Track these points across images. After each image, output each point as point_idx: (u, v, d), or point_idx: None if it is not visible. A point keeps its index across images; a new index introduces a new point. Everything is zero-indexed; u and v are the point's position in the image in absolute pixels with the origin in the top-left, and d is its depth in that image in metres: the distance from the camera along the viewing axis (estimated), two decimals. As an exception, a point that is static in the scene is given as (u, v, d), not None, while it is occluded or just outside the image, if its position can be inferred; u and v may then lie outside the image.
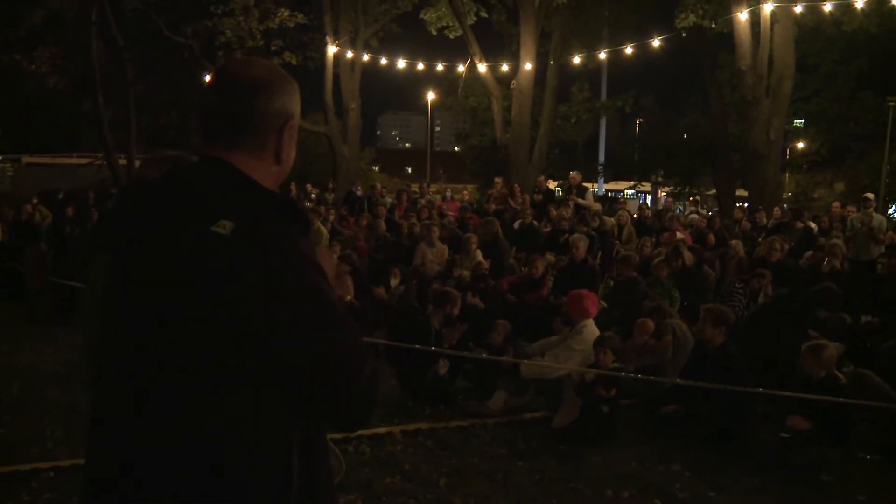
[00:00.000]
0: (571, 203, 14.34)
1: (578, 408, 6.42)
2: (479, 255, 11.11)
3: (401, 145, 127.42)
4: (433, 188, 22.20)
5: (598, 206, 14.75)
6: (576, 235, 10.22)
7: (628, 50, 18.42)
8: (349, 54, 20.53)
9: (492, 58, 20.27)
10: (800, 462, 5.62)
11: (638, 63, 19.55)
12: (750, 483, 5.46)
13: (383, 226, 13.15)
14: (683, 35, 18.06)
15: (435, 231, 11.82)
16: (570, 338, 6.98)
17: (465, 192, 19.85)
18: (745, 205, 17.72)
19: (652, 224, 13.74)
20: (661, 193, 27.92)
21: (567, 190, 15.77)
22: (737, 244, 10.81)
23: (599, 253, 11.66)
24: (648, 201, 29.76)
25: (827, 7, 16.35)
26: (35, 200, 14.39)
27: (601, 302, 9.56)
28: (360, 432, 6.17)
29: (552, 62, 19.87)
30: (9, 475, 5.20)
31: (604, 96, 28.06)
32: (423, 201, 15.74)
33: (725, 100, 21.50)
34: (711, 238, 11.77)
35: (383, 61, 21.20)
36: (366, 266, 11.64)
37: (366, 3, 21.06)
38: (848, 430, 5.82)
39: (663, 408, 6.51)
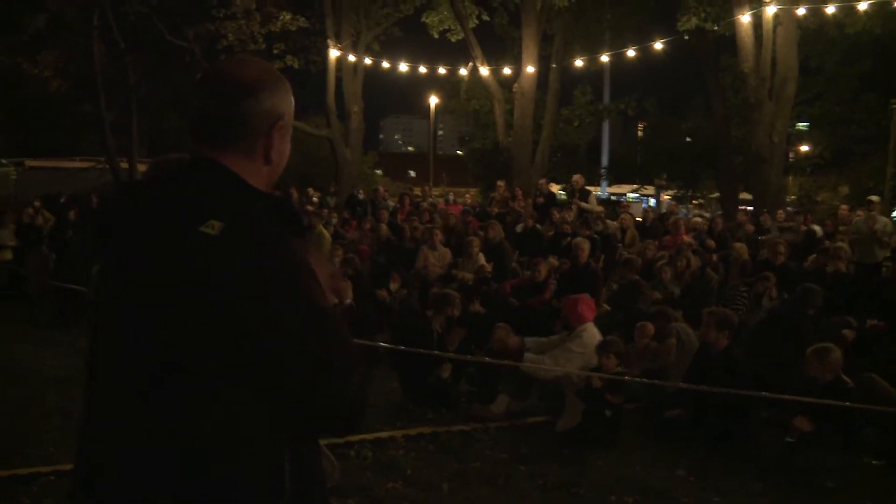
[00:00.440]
0: (574, 206, 14.34)
1: (581, 412, 6.39)
2: (482, 259, 11.10)
3: (403, 149, 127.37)
4: (436, 191, 22.21)
5: (601, 210, 14.70)
6: (578, 239, 10.20)
7: (630, 53, 18.40)
8: (351, 58, 20.51)
9: (494, 61, 20.26)
10: (804, 467, 5.58)
11: (640, 66, 19.54)
12: (754, 488, 5.42)
13: (386, 229, 13.13)
14: (686, 38, 18.03)
15: (437, 234, 11.81)
16: (570, 340, 6.94)
17: (467, 195, 19.81)
18: (749, 208, 17.67)
19: (655, 227, 13.70)
20: (665, 197, 27.88)
21: (570, 193, 15.75)
22: (741, 247, 10.77)
23: (602, 256, 11.61)
24: (652, 204, 29.75)
25: (830, 9, 16.30)
26: (37, 204, 14.39)
27: (604, 305, 9.56)
28: (361, 436, 6.16)
29: (554, 65, 19.86)
30: (9, 479, 5.18)
31: (606, 99, 28.03)
32: (425, 204, 15.72)
33: (728, 103, 21.45)
34: (711, 242, 11.72)
35: (385, 65, 21.20)
36: (368, 270, 11.63)
37: (368, 7, 21.03)
38: (854, 435, 5.78)
39: (667, 412, 6.47)
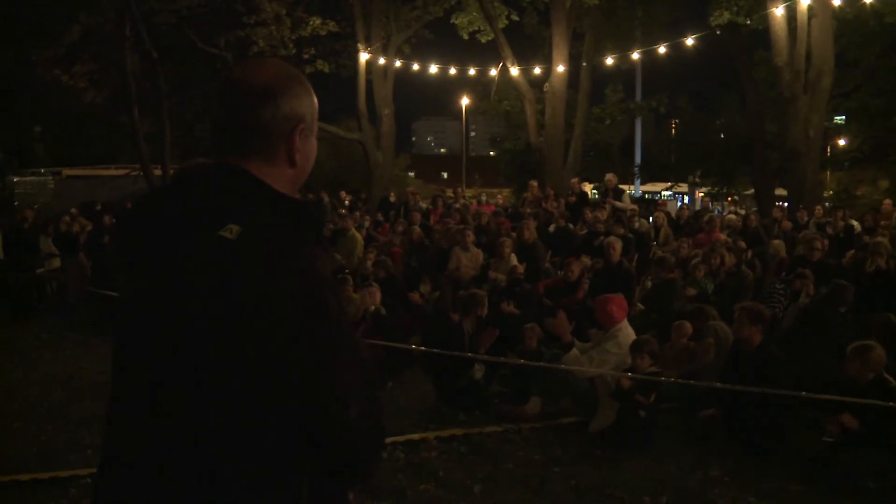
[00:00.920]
0: (608, 205, 14.24)
1: (615, 412, 6.33)
2: (514, 260, 11.05)
3: (436, 151, 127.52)
4: (469, 193, 22.20)
5: (634, 208, 14.57)
6: (611, 238, 10.11)
7: (662, 50, 18.21)
8: (381, 61, 20.58)
9: (524, 61, 20.18)
10: (845, 468, 5.45)
11: (672, 63, 19.37)
12: (792, 489, 5.32)
13: (418, 231, 13.12)
14: (718, 33, 17.81)
15: (469, 236, 11.78)
16: (605, 341, 6.89)
17: (499, 196, 19.76)
18: (785, 204, 17.40)
19: (689, 225, 13.54)
20: (699, 194, 27.59)
21: (603, 192, 15.64)
22: (779, 244, 10.57)
23: (636, 255, 11.50)
24: (686, 202, 29.43)
25: (867, -1, 16.00)
26: (74, 212, 14.63)
27: (638, 304, 9.47)
28: (393, 438, 6.16)
29: (585, 64, 19.74)
30: (49, 481, 5.28)
31: (639, 97, 27.77)
32: (457, 206, 15.71)
33: (762, 97, 21.15)
34: (742, 243, 11.53)
35: (416, 67, 21.23)
36: (401, 272, 11.65)
37: (397, 10, 21.10)
38: (896, 435, 5.64)
39: (701, 413, 6.38)
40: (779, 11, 15.81)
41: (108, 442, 1.64)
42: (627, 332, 6.89)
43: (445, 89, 34.62)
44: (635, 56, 19.48)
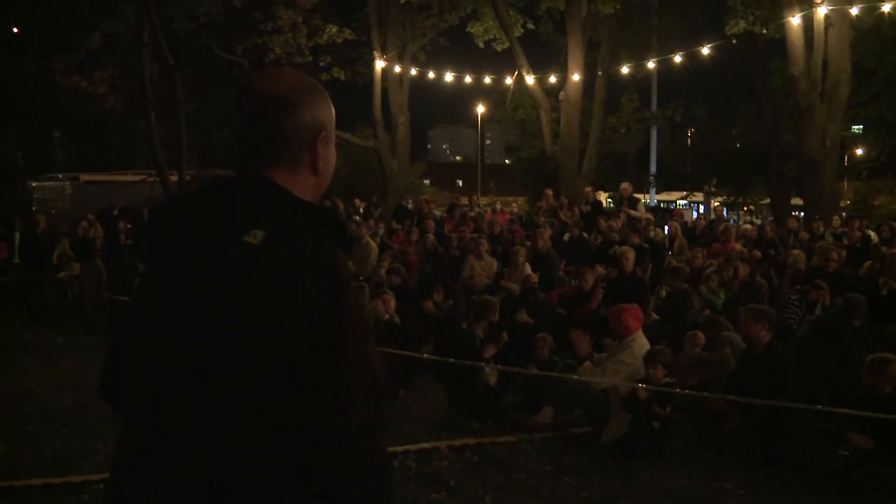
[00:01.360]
0: (623, 214, 14.21)
1: (627, 423, 6.30)
2: (528, 269, 11.03)
3: (451, 158, 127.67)
4: (483, 201, 22.19)
5: (649, 217, 14.52)
6: (624, 247, 10.08)
7: (677, 59, 18.16)
8: (397, 69, 20.63)
9: (540, 69, 20.19)
10: (862, 481, 5.39)
11: (688, 72, 19.31)
12: (808, 502, 5.27)
13: (432, 239, 13.13)
14: (734, 42, 17.74)
15: (483, 244, 11.78)
16: (620, 351, 6.86)
17: (514, 204, 19.74)
18: (801, 214, 17.28)
19: (704, 235, 13.48)
20: (714, 204, 27.45)
21: (618, 201, 15.60)
22: (798, 254, 10.46)
23: (650, 265, 11.46)
24: (701, 211, 29.30)
25: (886, 7, 15.87)
26: (91, 217, 14.73)
27: (652, 314, 9.43)
28: (405, 447, 6.16)
29: (600, 73, 19.71)
30: (62, 486, 5.30)
31: (654, 106, 27.72)
32: (472, 214, 15.70)
33: (779, 107, 21.04)
34: (757, 252, 11.45)
35: (431, 75, 21.26)
36: (415, 280, 11.66)
37: (413, 18, 21.15)
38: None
39: (726, 424, 6.33)
40: (795, 21, 15.74)
41: (120, 447, 1.64)
42: (642, 343, 6.85)
43: (461, 97, 34.72)
44: (650, 65, 19.44)
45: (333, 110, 1.76)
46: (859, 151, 27.95)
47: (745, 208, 27.04)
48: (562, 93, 19.01)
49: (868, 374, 5.72)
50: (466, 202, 17.65)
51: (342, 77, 20.84)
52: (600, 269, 10.60)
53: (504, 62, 21.20)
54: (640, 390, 6.18)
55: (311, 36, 19.14)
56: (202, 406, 1.49)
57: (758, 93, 21.14)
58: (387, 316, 9.05)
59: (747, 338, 6.56)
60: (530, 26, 20.83)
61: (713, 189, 27.49)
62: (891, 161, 25.54)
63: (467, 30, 20.99)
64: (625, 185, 15.34)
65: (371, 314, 8.97)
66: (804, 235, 13.04)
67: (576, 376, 6.94)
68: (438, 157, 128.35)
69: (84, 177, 23.48)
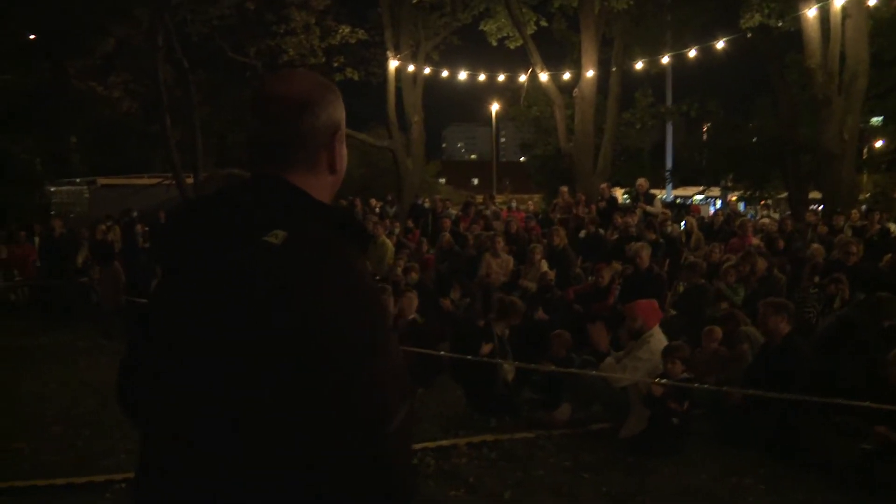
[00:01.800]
0: (639, 210, 14.16)
1: (646, 419, 6.28)
2: (545, 266, 11.03)
3: (466, 157, 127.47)
4: (499, 199, 22.16)
5: (665, 213, 14.45)
6: (638, 244, 10.04)
7: (691, 54, 18.05)
8: (410, 68, 20.63)
9: (553, 66, 20.13)
10: (884, 477, 5.33)
11: (703, 67, 19.17)
12: (828, 498, 5.23)
13: (448, 238, 13.13)
14: (748, 36, 17.60)
15: (499, 242, 11.79)
16: (638, 347, 6.84)
17: (529, 202, 19.71)
18: (820, 207, 17.14)
19: (721, 230, 13.41)
20: (731, 198, 27.25)
21: (634, 197, 15.54)
22: (818, 248, 10.36)
23: (667, 260, 11.41)
24: (720, 206, 29.07)
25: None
26: (109, 221, 14.85)
27: (670, 310, 9.39)
28: (423, 444, 6.17)
29: (614, 69, 19.60)
30: (85, 486, 5.36)
31: (669, 101, 27.53)
32: (487, 212, 15.71)
33: (795, 100, 20.87)
34: (781, 243, 11.39)
35: (444, 74, 21.24)
36: (432, 279, 11.68)
37: (426, 17, 21.14)
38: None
39: (739, 417, 6.30)
40: (811, 13, 15.60)
41: (144, 446, 1.64)
42: (659, 338, 6.83)
43: (475, 95, 34.63)
44: (664, 60, 19.29)
45: (344, 109, 1.77)
46: (879, 143, 27.68)
47: (763, 203, 26.79)
48: (576, 89, 18.95)
49: (891, 369, 5.68)
50: (480, 201, 17.64)
51: (356, 77, 20.84)
52: (616, 266, 10.58)
53: (518, 60, 21.16)
54: (655, 387, 6.16)
55: (324, 37, 19.16)
56: (227, 408, 1.47)
57: (774, 86, 20.98)
58: (411, 315, 9.09)
59: (766, 330, 6.54)
60: (543, 23, 20.75)
61: (730, 184, 27.31)
62: (911, 153, 25.30)
63: (480, 28, 20.94)
64: (641, 181, 15.28)
65: (393, 313, 9.02)
66: (822, 229, 12.93)
67: (594, 372, 6.91)
68: (453, 155, 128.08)
69: (101, 180, 23.64)
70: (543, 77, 18.99)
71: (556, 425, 6.81)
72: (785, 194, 23.75)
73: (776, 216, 19.52)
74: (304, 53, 18.90)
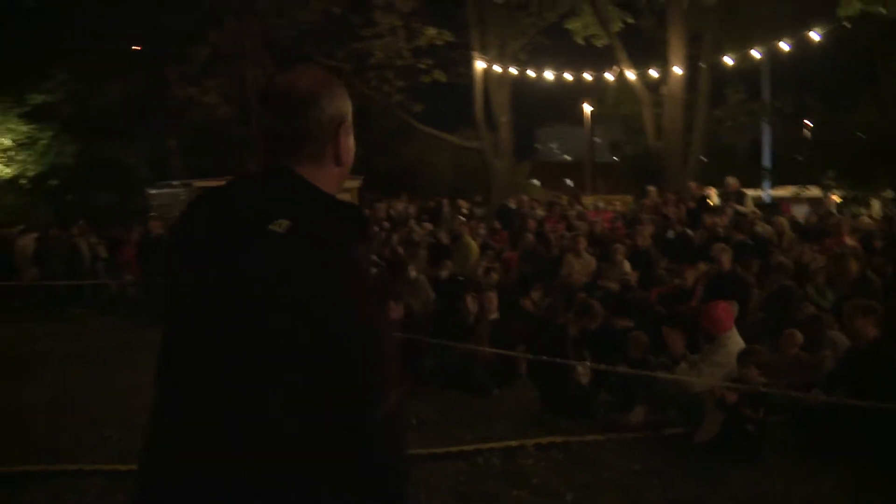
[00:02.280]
0: (729, 210, 13.78)
1: (720, 424, 6.10)
2: (627, 266, 10.86)
3: (560, 157, 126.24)
4: (588, 200, 21.86)
5: (755, 212, 13.98)
6: (718, 246, 9.78)
7: (785, 47, 17.38)
8: (497, 68, 20.59)
9: (641, 63, 19.70)
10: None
11: (799, 61, 18.43)
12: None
13: (531, 238, 13.10)
14: (847, 25, 16.81)
15: (581, 242, 11.69)
16: (714, 351, 6.67)
17: (616, 202, 19.38)
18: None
19: (816, 230, 12.87)
20: (834, 198, 26.06)
21: (724, 196, 15.10)
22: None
23: (756, 261, 11.04)
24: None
25: None
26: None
27: (758, 313, 9.07)
28: (490, 444, 6.17)
29: (702, 65, 19.01)
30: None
31: (766, 96, 26.55)
32: (572, 213, 15.55)
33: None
34: (877, 243, 10.85)
35: (531, 73, 21.10)
36: (515, 279, 11.67)
37: (512, 17, 21.05)
38: None
39: (820, 424, 6.05)
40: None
41: (155, 428, 1.71)
42: (736, 341, 6.64)
43: (568, 95, 34.33)
44: (756, 55, 18.58)
45: (350, 102, 1.83)
46: None
47: (868, 203, 25.51)
48: (663, 87, 18.53)
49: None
50: (564, 200, 17.46)
51: (443, 79, 20.94)
52: (703, 267, 10.31)
53: (608, 58, 20.77)
54: (727, 393, 5.98)
55: (411, 39, 19.33)
56: (235, 388, 1.56)
57: (877, 78, 19.99)
58: (492, 315, 9.11)
59: (851, 333, 6.27)
60: (630, 21, 20.35)
61: (831, 183, 26.13)
62: None
63: (565, 26, 20.70)
64: (731, 180, 14.86)
65: (471, 312, 9.05)
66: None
67: (666, 375, 6.76)
68: (547, 156, 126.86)
69: (196, 183, 24.51)
70: (630, 75, 18.64)
71: (628, 428, 6.69)
72: (892, 194, 22.58)
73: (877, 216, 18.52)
74: (391, 56, 19.13)
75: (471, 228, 14.02)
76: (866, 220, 14.25)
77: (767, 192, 27.40)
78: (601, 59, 20.23)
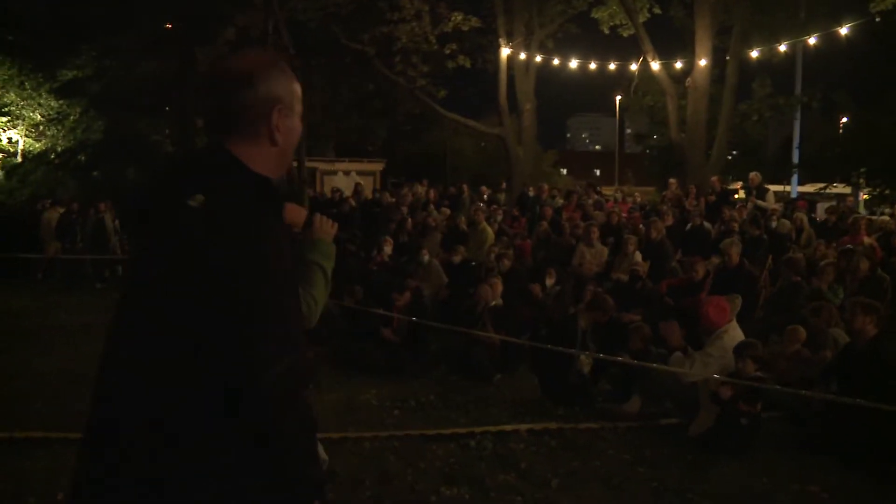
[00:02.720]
0: (750, 204, 13.71)
1: (715, 416, 6.10)
2: (638, 257, 10.84)
3: (591, 147, 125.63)
4: (608, 191, 21.75)
5: (776, 208, 13.86)
6: (727, 241, 9.73)
7: (812, 41, 17.12)
8: (522, 56, 20.50)
9: (669, 54, 19.53)
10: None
11: (833, 55, 18.14)
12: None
13: (545, 226, 13.13)
14: (877, 20, 16.52)
15: (594, 231, 11.68)
16: (710, 344, 6.65)
17: (636, 194, 19.25)
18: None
19: (835, 227, 12.74)
20: (863, 196, 25.69)
21: (747, 191, 15.00)
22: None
23: (770, 256, 10.98)
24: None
25: None
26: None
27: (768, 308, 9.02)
28: (484, 428, 6.23)
29: (729, 57, 18.77)
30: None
31: (798, 92, 26.13)
32: (589, 202, 15.52)
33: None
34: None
35: (556, 62, 20.98)
36: (528, 266, 11.70)
37: (541, 5, 20.93)
38: None
39: (814, 421, 6.04)
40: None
41: (96, 381, 1.80)
42: (733, 335, 6.61)
43: (599, 85, 34.10)
44: (782, 48, 18.28)
45: (295, 87, 1.91)
46: None
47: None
48: (689, 79, 18.36)
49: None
50: (580, 189, 17.42)
51: (467, 65, 20.89)
52: (715, 260, 10.27)
53: (640, 48, 20.55)
54: (721, 387, 5.98)
55: (436, 24, 19.30)
56: (148, 349, 1.66)
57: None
58: (493, 301, 9.14)
59: (852, 330, 6.23)
60: (657, 11, 20.15)
61: (861, 180, 25.72)
62: None
63: (592, 15, 20.56)
64: (753, 175, 14.80)
65: (480, 298, 9.09)
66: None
67: (660, 366, 6.77)
68: (577, 146, 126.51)
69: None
70: (655, 66, 18.48)
71: (624, 418, 6.72)
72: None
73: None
74: (417, 40, 19.11)
75: (486, 214, 14.04)
76: (885, 218, 14.06)
77: (795, 189, 27.11)
78: (635, 50, 20.01)
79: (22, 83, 21.65)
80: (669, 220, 12.80)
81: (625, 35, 20.28)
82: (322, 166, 25.68)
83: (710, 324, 6.64)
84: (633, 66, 19.97)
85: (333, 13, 18.34)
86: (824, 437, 5.87)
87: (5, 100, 21.69)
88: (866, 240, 10.96)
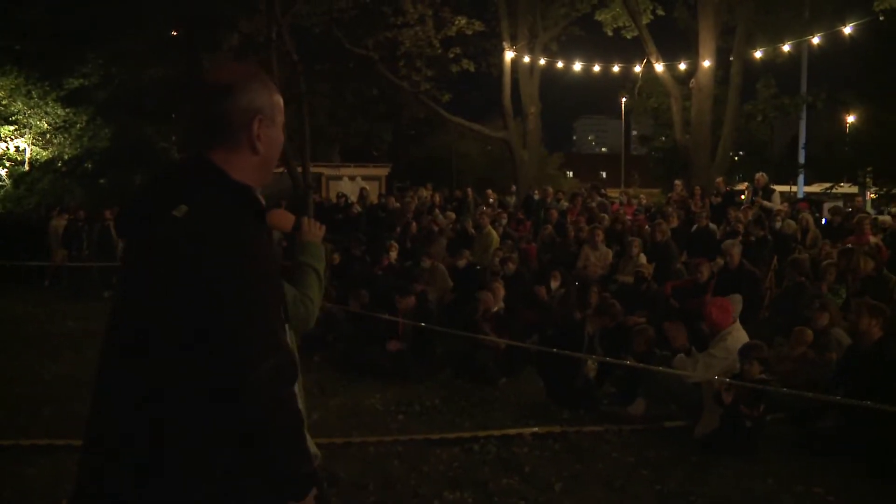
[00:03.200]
0: (756, 205, 13.68)
1: (718, 418, 6.09)
2: (643, 259, 10.83)
3: (597, 150, 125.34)
4: (613, 193, 21.72)
5: (781, 209, 13.83)
6: (728, 242, 9.74)
7: (816, 41, 17.08)
8: (526, 59, 20.51)
9: (672, 56, 19.48)
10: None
11: (835, 55, 18.08)
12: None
13: (550, 229, 13.14)
14: (881, 18, 16.46)
15: (599, 234, 11.68)
16: (713, 345, 6.65)
17: (642, 195, 19.22)
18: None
19: (840, 227, 12.70)
20: (870, 196, 25.60)
21: (753, 192, 14.97)
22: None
23: (775, 257, 10.95)
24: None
25: None
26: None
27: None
28: (488, 432, 6.24)
29: (733, 58, 18.72)
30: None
31: (803, 91, 26.07)
32: (594, 204, 15.50)
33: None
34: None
35: (559, 65, 20.98)
36: (534, 269, 11.69)
37: (544, 8, 20.94)
38: None
39: (818, 423, 6.03)
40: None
41: (96, 380, 1.86)
42: (738, 336, 6.61)
43: (605, 87, 34.03)
44: (786, 48, 18.23)
45: (275, 98, 1.96)
46: None
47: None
48: (692, 80, 18.33)
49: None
50: (585, 191, 17.41)
51: (471, 68, 20.93)
52: (720, 261, 10.25)
53: (643, 50, 20.55)
54: (724, 389, 5.96)
55: (440, 28, 19.32)
56: (139, 354, 1.72)
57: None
58: (496, 307, 9.15)
59: (856, 331, 6.21)
60: (660, 12, 20.13)
61: (868, 180, 25.64)
62: None
63: (595, 18, 20.55)
64: (759, 176, 14.78)
65: (483, 303, 9.09)
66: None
67: (664, 368, 6.76)
68: (583, 148, 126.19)
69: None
70: (659, 68, 18.46)
71: (629, 420, 6.71)
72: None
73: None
74: (421, 45, 19.14)
75: (492, 218, 14.05)
76: (887, 218, 14.01)
77: (801, 189, 27.04)
78: (639, 52, 19.98)
79: (29, 92, 21.79)
80: (675, 222, 12.78)
81: (628, 37, 20.26)
82: (327, 171, 25.80)
83: (714, 325, 6.63)
84: (637, 68, 19.90)
85: (337, 18, 18.39)
86: (829, 439, 5.86)
87: (12, 109, 21.84)
88: (872, 239, 10.93)
